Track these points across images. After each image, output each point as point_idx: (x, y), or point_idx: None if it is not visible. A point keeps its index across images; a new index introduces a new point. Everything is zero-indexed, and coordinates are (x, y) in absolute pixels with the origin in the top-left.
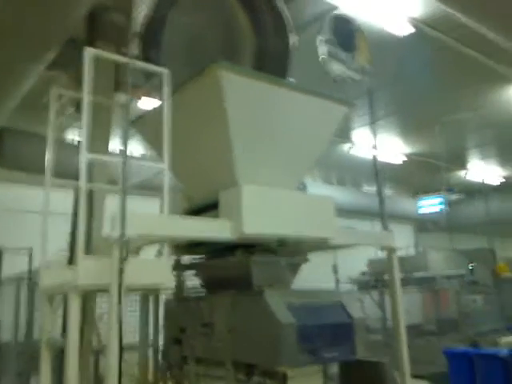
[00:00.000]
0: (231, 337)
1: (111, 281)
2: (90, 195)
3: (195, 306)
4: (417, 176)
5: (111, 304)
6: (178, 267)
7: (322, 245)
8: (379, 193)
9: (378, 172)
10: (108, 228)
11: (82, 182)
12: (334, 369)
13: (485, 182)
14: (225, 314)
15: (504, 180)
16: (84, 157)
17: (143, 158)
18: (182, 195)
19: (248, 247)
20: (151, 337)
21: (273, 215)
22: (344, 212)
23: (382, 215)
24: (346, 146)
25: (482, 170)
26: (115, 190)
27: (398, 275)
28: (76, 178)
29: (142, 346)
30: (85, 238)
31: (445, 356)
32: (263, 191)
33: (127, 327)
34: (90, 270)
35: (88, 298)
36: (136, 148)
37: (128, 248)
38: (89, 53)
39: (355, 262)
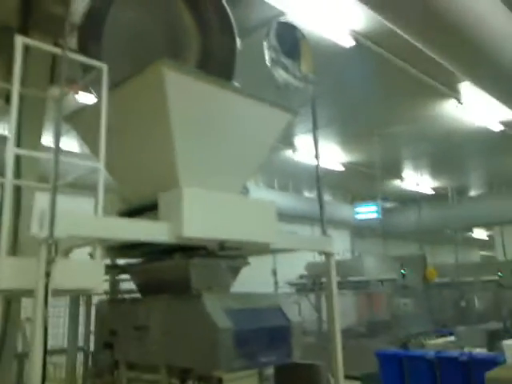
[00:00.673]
0: (166, 340)
1: (37, 284)
2: (18, 192)
3: (129, 309)
4: (355, 184)
5: (36, 307)
6: (112, 270)
7: (263, 249)
8: (319, 199)
9: (319, 178)
10: (36, 227)
11: (8, 179)
12: (270, 370)
13: (418, 191)
14: (160, 317)
15: (434, 192)
16: (11, 151)
17: (77, 155)
18: (117, 196)
19: (186, 250)
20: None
21: (214, 219)
22: (286, 217)
23: (322, 221)
24: (288, 152)
25: (415, 180)
26: (46, 188)
27: (334, 279)
28: (3, 173)
29: (71, 349)
30: (11, 238)
31: (376, 357)
32: (205, 194)
33: (57, 330)
34: (15, 272)
35: (13, 300)
36: (71, 144)
37: (57, 249)
38: (19, 41)
39: (294, 266)
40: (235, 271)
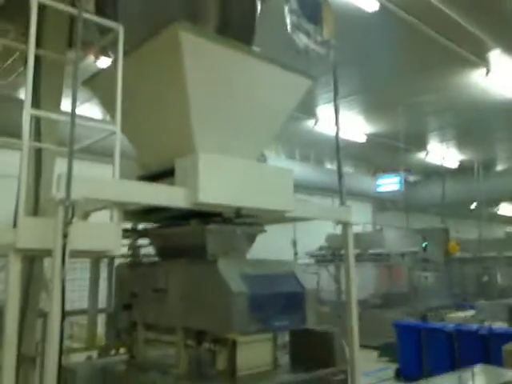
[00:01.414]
0: (183, 303)
1: (54, 244)
2: (39, 156)
3: (148, 272)
4: (377, 156)
5: (54, 267)
6: (131, 233)
7: (279, 217)
8: (338, 168)
9: (338, 146)
10: (55, 190)
11: (25, 140)
12: (285, 338)
13: (443, 164)
14: (177, 280)
15: (460, 165)
16: (27, 113)
17: (100, 122)
18: (136, 162)
19: (203, 216)
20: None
21: (230, 185)
22: (306, 188)
23: (340, 190)
24: (310, 123)
25: (440, 153)
26: (64, 152)
27: (352, 249)
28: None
29: (91, 310)
30: (32, 200)
31: (395, 328)
32: (221, 160)
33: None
34: (34, 232)
35: (36, 260)
36: (94, 111)
37: (73, 211)
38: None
39: (314, 237)
40: (251, 238)
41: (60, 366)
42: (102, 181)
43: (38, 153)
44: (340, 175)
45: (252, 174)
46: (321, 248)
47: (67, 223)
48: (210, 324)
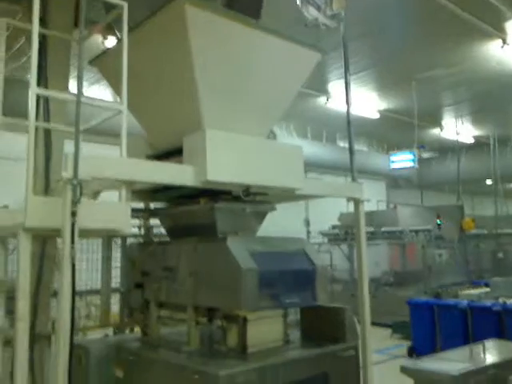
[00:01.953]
0: (193, 281)
1: (63, 223)
2: (48, 137)
3: (158, 251)
4: (391, 133)
5: (64, 246)
6: (141, 213)
7: (289, 195)
8: (349, 142)
9: (349, 120)
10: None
11: (31, 119)
12: (296, 316)
13: (458, 140)
14: (188, 259)
15: (475, 141)
16: (33, 92)
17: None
18: (145, 142)
19: (213, 194)
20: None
21: (238, 162)
22: (319, 167)
23: (351, 166)
24: (322, 100)
25: (455, 129)
26: (72, 132)
27: (364, 226)
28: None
29: (104, 290)
30: (43, 182)
31: (408, 306)
32: (229, 137)
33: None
34: (42, 212)
35: (49, 239)
36: (106, 94)
37: (81, 190)
38: None
39: (328, 217)
40: (261, 216)
41: (72, 344)
42: (109, 160)
43: (48, 134)
44: (351, 151)
45: (261, 151)
46: (334, 227)
47: (75, 202)
48: (220, 301)
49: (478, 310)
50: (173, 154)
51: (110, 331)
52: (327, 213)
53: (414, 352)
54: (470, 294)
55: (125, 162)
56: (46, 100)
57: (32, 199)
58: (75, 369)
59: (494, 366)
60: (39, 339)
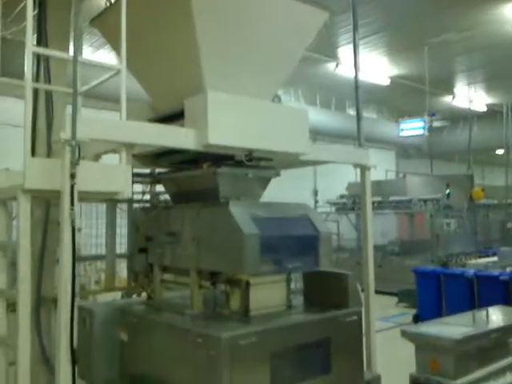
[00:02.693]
0: (196, 246)
1: (62, 185)
2: (49, 99)
3: (162, 216)
4: (402, 100)
5: (63, 209)
6: (143, 178)
7: (294, 161)
8: (357, 106)
9: (357, 85)
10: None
11: (28, 80)
12: (300, 283)
13: (470, 108)
14: (191, 223)
15: (488, 109)
16: (29, 51)
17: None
18: (147, 107)
19: (215, 159)
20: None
21: (241, 126)
22: (327, 135)
23: (358, 132)
24: (331, 65)
25: (467, 96)
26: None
27: (370, 194)
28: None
29: (110, 255)
30: (45, 145)
31: (414, 274)
32: (232, 99)
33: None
34: (42, 173)
35: (53, 204)
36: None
37: (80, 152)
38: None
39: (336, 187)
40: (264, 182)
41: (73, 307)
42: (108, 121)
43: (49, 97)
44: (358, 116)
45: (265, 114)
46: (342, 196)
47: (74, 163)
48: (222, 266)
49: (485, 279)
50: (175, 117)
51: (118, 296)
52: (335, 183)
53: (419, 320)
54: (477, 264)
55: (124, 124)
56: (47, 63)
57: (30, 160)
58: (80, 331)
59: (496, 330)
60: (45, 302)
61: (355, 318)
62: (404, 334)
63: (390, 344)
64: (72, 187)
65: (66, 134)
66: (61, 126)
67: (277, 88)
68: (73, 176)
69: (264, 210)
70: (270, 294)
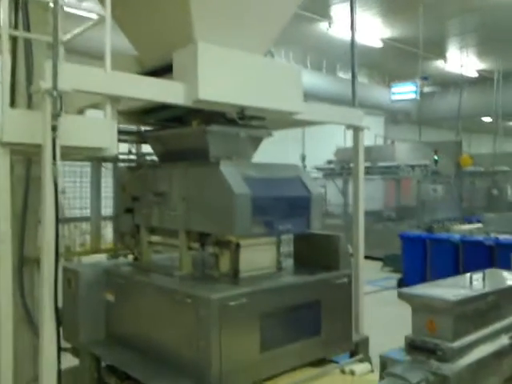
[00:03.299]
0: (185, 206)
1: (43, 138)
2: (29, 47)
3: (149, 176)
4: (393, 63)
5: (45, 164)
6: (129, 135)
7: (287, 120)
8: (352, 65)
9: (353, 41)
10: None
11: (4, 25)
12: (290, 247)
13: (461, 73)
14: (179, 183)
15: (479, 75)
16: None
17: None
18: (134, 61)
19: (205, 117)
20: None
21: (233, 81)
22: (317, 98)
23: (353, 91)
24: (323, 25)
25: (459, 61)
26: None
27: (362, 156)
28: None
29: (94, 215)
30: (25, 96)
31: (400, 239)
32: (223, 52)
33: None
34: (21, 126)
35: (34, 161)
36: None
37: (62, 103)
38: None
39: (324, 151)
40: (256, 142)
41: (56, 269)
42: (92, 71)
43: (28, 46)
44: (354, 75)
45: (258, 69)
46: (329, 162)
47: (55, 115)
48: (212, 226)
49: (470, 244)
50: (162, 71)
51: (103, 258)
52: (323, 148)
53: (403, 284)
54: (462, 229)
55: (109, 74)
56: (26, 9)
57: (8, 112)
58: (65, 292)
59: (493, 292)
60: (28, 263)
61: (345, 280)
62: (401, 295)
63: (374, 307)
64: (54, 141)
65: (46, 84)
66: (41, 76)
67: (269, 43)
68: (54, 129)
69: (256, 170)
70: (260, 256)
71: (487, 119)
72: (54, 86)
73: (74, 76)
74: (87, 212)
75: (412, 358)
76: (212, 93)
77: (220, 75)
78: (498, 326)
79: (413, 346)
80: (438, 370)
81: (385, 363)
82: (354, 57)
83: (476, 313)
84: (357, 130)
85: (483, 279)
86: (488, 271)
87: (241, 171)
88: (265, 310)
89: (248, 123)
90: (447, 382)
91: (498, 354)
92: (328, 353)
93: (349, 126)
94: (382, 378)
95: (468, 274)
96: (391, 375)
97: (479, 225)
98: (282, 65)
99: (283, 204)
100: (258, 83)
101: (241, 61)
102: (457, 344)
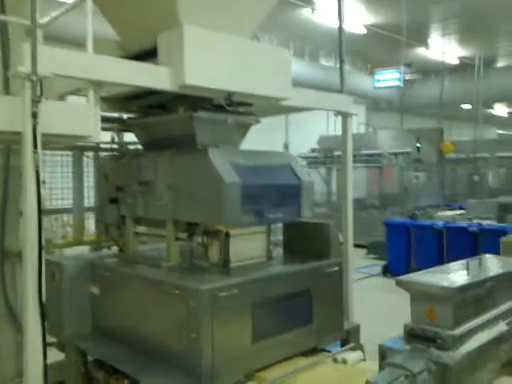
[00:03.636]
0: (172, 195)
1: (23, 125)
2: (4, 30)
3: (133, 165)
4: (376, 50)
5: (25, 153)
6: (112, 123)
7: (274, 107)
8: (340, 51)
9: (341, 27)
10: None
11: None
12: (279, 236)
13: (443, 60)
14: (165, 172)
15: (460, 62)
16: None
17: None
18: (116, 46)
19: (191, 103)
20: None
21: (221, 65)
22: (300, 86)
23: (341, 76)
24: (306, 11)
25: (441, 48)
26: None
27: (351, 142)
28: None
29: (77, 206)
30: (1, 81)
31: (384, 226)
32: (210, 35)
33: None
34: (0, 114)
35: (13, 152)
36: None
37: (42, 89)
38: None
39: (306, 141)
40: (244, 129)
41: (40, 262)
42: (73, 55)
43: (4, 29)
44: (342, 60)
45: (246, 53)
46: (313, 150)
47: (36, 101)
48: (200, 216)
49: (454, 231)
50: (146, 56)
51: (86, 250)
52: (306, 136)
53: (388, 271)
54: (445, 216)
55: (91, 58)
56: None
57: None
58: (48, 286)
59: (492, 278)
60: (9, 256)
61: (336, 268)
62: (399, 283)
63: (360, 294)
64: (34, 128)
65: (25, 68)
66: (19, 61)
67: (255, 26)
68: (34, 115)
69: (245, 158)
70: (249, 245)
71: (467, 106)
72: (34, 71)
73: (54, 60)
74: (68, 203)
75: (412, 347)
76: (199, 77)
77: (207, 59)
78: (495, 312)
79: (412, 335)
80: (438, 358)
81: (384, 353)
82: (341, 42)
83: (475, 299)
84: (345, 116)
85: (481, 265)
86: (486, 256)
87: (230, 159)
88: (256, 300)
89: (235, 109)
90: (448, 371)
91: (497, 340)
92: (320, 342)
93: (337, 113)
94: (381, 367)
95: (464, 261)
96: (391, 365)
97: (461, 211)
98: (270, 49)
99: (273, 192)
100: (246, 68)
101: (228, 44)
102: (457, 332)
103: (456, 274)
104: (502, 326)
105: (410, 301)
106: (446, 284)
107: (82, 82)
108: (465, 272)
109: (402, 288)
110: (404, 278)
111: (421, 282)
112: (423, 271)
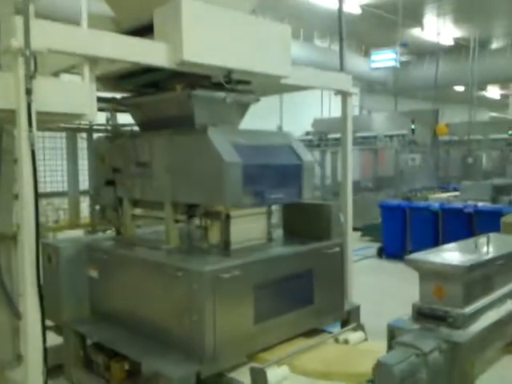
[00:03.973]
0: (170, 177)
1: (17, 102)
2: None
3: (130, 145)
4: (371, 31)
5: (20, 132)
6: (108, 102)
7: (274, 85)
8: (340, 28)
9: (341, 3)
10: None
11: None
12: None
13: (438, 42)
14: (163, 152)
15: (455, 43)
16: None
17: None
18: (110, 22)
19: (188, 81)
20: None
21: (220, 41)
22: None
23: (341, 54)
24: None
25: (436, 29)
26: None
27: (351, 122)
28: None
29: (72, 189)
30: None
31: (380, 208)
32: (209, 9)
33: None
34: None
35: (5, 132)
36: None
37: (36, 64)
38: None
39: (300, 124)
40: (243, 108)
41: (38, 245)
42: (68, 29)
43: None
44: (341, 38)
45: (245, 28)
46: (307, 133)
47: (30, 77)
48: (200, 197)
49: (450, 212)
50: (142, 32)
51: (80, 234)
52: (300, 120)
53: (383, 253)
54: (440, 198)
55: (86, 32)
56: None
57: None
58: (45, 269)
59: (502, 257)
60: (3, 239)
61: (337, 249)
62: (408, 261)
63: (356, 276)
64: (29, 105)
65: (18, 42)
66: (10, 35)
67: (255, 1)
68: (29, 92)
69: (245, 137)
70: (250, 226)
71: (460, 88)
72: (27, 45)
73: (49, 34)
74: (60, 186)
75: (421, 326)
76: (198, 54)
77: (206, 34)
78: (504, 290)
79: (421, 314)
80: (448, 337)
81: (392, 332)
82: (341, 20)
83: (484, 278)
84: (345, 95)
85: (488, 244)
86: (491, 235)
87: (230, 138)
88: (258, 281)
89: (234, 88)
90: (459, 349)
91: (505, 319)
92: (321, 322)
93: (337, 92)
94: (390, 347)
95: (473, 239)
96: (402, 344)
97: (456, 193)
98: (270, 24)
99: (274, 172)
100: (246, 44)
101: (228, 19)
102: (467, 310)
103: (465, 253)
104: (510, 305)
105: (419, 279)
106: (456, 262)
107: (75, 58)
108: (474, 250)
109: (411, 267)
110: (413, 256)
111: (431, 260)
112: (430, 250)
